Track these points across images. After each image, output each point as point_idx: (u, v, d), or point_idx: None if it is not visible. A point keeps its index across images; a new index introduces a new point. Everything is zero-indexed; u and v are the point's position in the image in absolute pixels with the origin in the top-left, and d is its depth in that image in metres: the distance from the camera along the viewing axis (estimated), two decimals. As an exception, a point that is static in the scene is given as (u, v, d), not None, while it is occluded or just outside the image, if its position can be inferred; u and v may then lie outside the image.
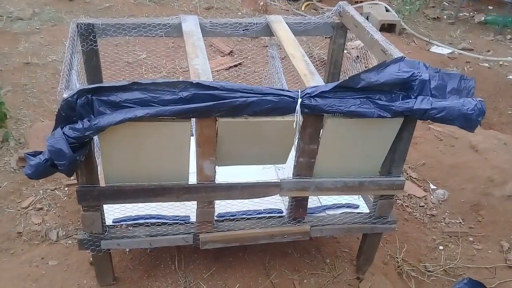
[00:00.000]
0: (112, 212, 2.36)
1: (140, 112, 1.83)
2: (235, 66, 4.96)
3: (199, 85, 1.89)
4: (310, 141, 2.13)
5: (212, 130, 2.01)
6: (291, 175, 2.27)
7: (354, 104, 1.99)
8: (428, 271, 3.15)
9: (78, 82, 2.31)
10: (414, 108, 1.99)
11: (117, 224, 2.35)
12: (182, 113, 1.87)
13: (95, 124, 1.82)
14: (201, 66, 2.11)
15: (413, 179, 4.00)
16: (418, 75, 2.02)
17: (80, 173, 2.04)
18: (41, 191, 3.10)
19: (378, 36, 2.37)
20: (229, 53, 5.17)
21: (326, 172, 2.29)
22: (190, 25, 2.52)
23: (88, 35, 2.54)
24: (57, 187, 3.14)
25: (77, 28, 2.51)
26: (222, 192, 2.21)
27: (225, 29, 2.63)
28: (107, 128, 1.83)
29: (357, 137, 2.17)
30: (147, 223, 2.35)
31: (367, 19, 6.97)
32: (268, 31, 2.67)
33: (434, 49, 6.66)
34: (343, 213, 2.55)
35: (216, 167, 2.18)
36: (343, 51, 2.89)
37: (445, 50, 6.58)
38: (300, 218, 2.42)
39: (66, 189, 3.13)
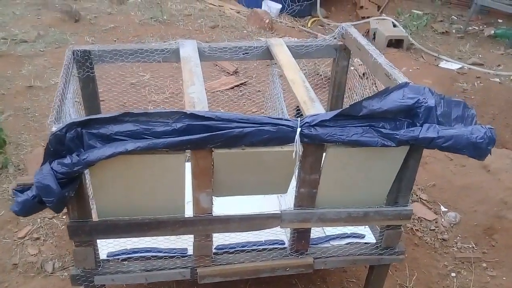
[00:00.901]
0: (106, 246, 2.27)
1: (131, 145, 1.75)
2: (240, 85, 4.90)
3: (193, 116, 1.81)
4: (311, 171, 2.03)
5: (208, 162, 1.92)
6: (293, 205, 2.18)
7: (356, 133, 1.89)
8: (440, 300, 3.02)
9: (74, 111, 2.25)
10: (420, 136, 1.88)
11: (111, 258, 2.26)
12: (175, 146, 1.79)
13: (84, 159, 1.74)
14: (197, 95, 2.03)
15: (423, 201, 3.87)
16: (424, 102, 1.92)
17: (71, 207, 1.96)
18: (39, 220, 3.04)
19: (382, 59, 2.28)
20: (233, 73, 5.11)
21: (329, 202, 2.18)
22: (188, 50, 2.46)
23: (84, 62, 2.49)
24: (55, 215, 3.07)
25: (73, 55, 2.46)
26: (220, 225, 2.11)
27: (224, 53, 2.56)
28: (97, 163, 1.76)
29: (360, 166, 2.07)
30: (143, 257, 2.26)
31: (374, 35, 6.90)
32: (268, 54, 2.60)
33: (443, 64, 6.55)
34: (348, 243, 2.44)
35: (214, 198, 2.10)
36: (347, 73, 2.80)
37: (454, 66, 6.46)
38: (302, 250, 2.31)
39: (63, 217, 3.06)
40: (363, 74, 5.14)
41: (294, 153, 1.91)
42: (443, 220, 3.68)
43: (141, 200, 2.00)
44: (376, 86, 3.96)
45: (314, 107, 2.01)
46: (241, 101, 4.58)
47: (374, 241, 2.48)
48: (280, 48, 2.53)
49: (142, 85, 4.70)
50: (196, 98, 2.00)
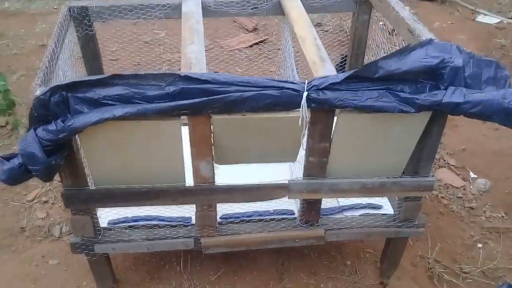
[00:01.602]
0: (107, 213, 2.18)
1: (119, 111, 1.60)
2: (259, 43, 4.66)
3: (187, 78, 1.64)
4: (321, 139, 1.85)
5: (206, 128, 1.76)
6: (302, 175, 2.01)
7: (370, 97, 1.68)
8: (464, 272, 2.84)
9: (69, 71, 2.11)
10: (443, 101, 1.66)
11: (112, 226, 2.17)
12: (168, 111, 1.63)
13: (69, 125, 1.61)
14: (195, 55, 1.84)
15: (451, 167, 3.63)
16: (450, 61, 1.68)
17: (63, 175, 1.86)
18: (48, 183, 2.98)
19: (405, 13, 2.02)
20: (252, 30, 4.85)
21: (341, 172, 2.00)
22: (191, 5, 2.25)
23: (82, 19, 2.33)
24: (64, 178, 3.00)
25: (70, 12, 2.30)
26: (223, 194, 1.97)
27: (231, 8, 2.34)
28: (84, 129, 1.63)
29: (376, 134, 1.87)
30: (145, 225, 2.16)
31: (405, -14, 6.43)
32: (280, 9, 2.36)
33: (480, 18, 6.07)
34: (363, 214, 2.27)
35: (216, 166, 1.95)
36: (368, 29, 2.55)
37: (493, 20, 5.98)
38: (313, 221, 2.16)
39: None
40: (393, 30, 4.80)
41: (300, 120, 1.73)
42: (471, 187, 3.45)
43: (138, 168, 1.88)
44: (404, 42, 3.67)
45: (324, 68, 1.80)
46: (259, 60, 4.35)
47: (392, 212, 2.30)
48: (292, 2, 2.29)
49: (157, 44, 4.52)
50: (193, 58, 1.82)
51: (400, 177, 2.05)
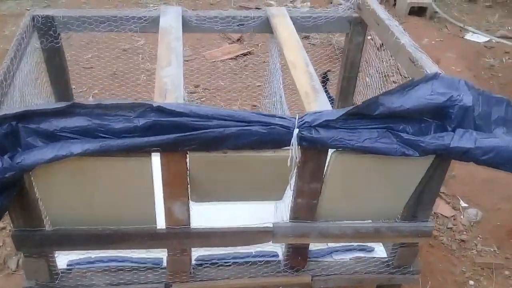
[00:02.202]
0: (67, 253, 1.93)
1: (77, 147, 1.36)
2: (244, 55, 4.44)
3: (161, 110, 1.41)
4: (311, 179, 1.64)
5: (181, 166, 1.53)
6: (288, 217, 1.79)
7: (369, 138, 1.48)
8: (455, 313, 2.67)
9: (30, 89, 1.86)
10: (451, 146, 1.46)
11: (73, 267, 1.91)
12: (136, 149, 1.40)
13: (18, 162, 1.36)
14: (171, 79, 1.61)
15: (441, 194, 3.46)
16: (458, 99, 1.49)
17: (14, 215, 1.60)
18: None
19: (406, 39, 1.83)
20: (237, 40, 4.64)
21: (332, 215, 1.80)
22: (170, 19, 2.02)
23: (47, 30, 2.08)
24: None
25: (33, 21, 2.05)
26: (198, 239, 1.74)
27: (214, 23, 2.12)
28: (36, 167, 1.38)
29: (372, 176, 1.67)
30: (109, 267, 1.91)
31: (394, 1, 6.31)
32: (268, 26, 2.15)
33: (469, 36, 5.97)
34: (354, 258, 2.06)
35: (192, 203, 1.72)
36: (362, 51, 2.35)
37: (481, 38, 5.88)
38: (299, 266, 1.94)
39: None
40: (381, 45, 4.65)
41: (289, 160, 1.51)
42: (462, 217, 3.28)
43: (101, 208, 1.63)
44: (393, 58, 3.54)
45: (318, 100, 1.59)
46: (244, 73, 4.13)
47: (385, 255, 2.10)
48: (282, 20, 2.09)
49: (136, 52, 4.26)
50: (169, 83, 1.59)
51: (396, 221, 1.85)
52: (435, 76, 1.52)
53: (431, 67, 1.65)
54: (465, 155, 1.48)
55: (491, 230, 3.17)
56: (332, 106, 2.76)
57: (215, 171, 1.60)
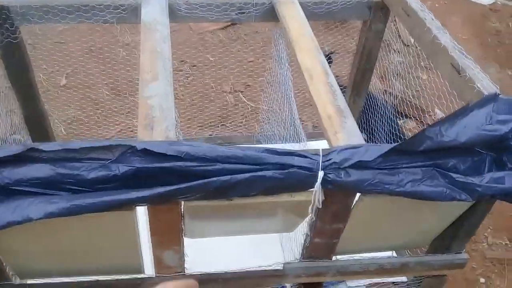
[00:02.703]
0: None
1: (37, 211, 1.03)
2: (234, 24, 4.02)
3: (147, 153, 1.08)
4: (334, 221, 1.35)
5: (174, 216, 1.22)
6: (299, 254, 1.52)
7: (412, 180, 1.18)
8: (468, 317, 2.49)
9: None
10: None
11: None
12: (117, 206, 1.08)
13: (-41, 228, 1.04)
14: (159, 101, 1.26)
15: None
16: (524, 130, 1.18)
17: (-34, 272, 1.29)
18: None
19: (447, 39, 1.48)
20: (227, 6, 4.19)
21: (352, 250, 1.53)
22: (154, 11, 1.63)
23: (2, 23, 1.68)
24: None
25: (-17, 11, 1.65)
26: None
27: (209, 12, 1.74)
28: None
29: (403, 215, 1.38)
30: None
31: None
32: (273, 15, 1.78)
33: (473, -3, 5.60)
34: (370, 284, 1.82)
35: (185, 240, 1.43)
36: (381, 40, 2.01)
37: (486, 0, 5.52)
38: (311, 301, 1.69)
39: None
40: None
41: (310, 207, 1.21)
42: (472, 207, 3.06)
43: (76, 259, 1.33)
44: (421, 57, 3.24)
45: (345, 129, 1.27)
46: (235, 46, 3.73)
47: (405, 279, 1.86)
48: (290, 8, 1.71)
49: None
50: (157, 108, 1.24)
51: (425, 254, 1.59)
52: (493, 98, 1.20)
53: (483, 81, 1.32)
54: (529, 201, 1.19)
55: (503, 220, 2.98)
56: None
57: (216, 214, 1.29)
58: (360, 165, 1.15)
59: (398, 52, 4.40)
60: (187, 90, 3.34)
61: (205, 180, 1.09)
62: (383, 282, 1.83)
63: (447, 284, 2.57)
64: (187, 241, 1.39)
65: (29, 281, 1.36)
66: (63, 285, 1.37)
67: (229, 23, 3.95)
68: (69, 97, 3.29)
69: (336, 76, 2.49)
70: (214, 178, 1.09)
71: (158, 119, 1.21)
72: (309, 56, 1.50)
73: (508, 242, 2.88)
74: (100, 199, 1.05)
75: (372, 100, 2.33)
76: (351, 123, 1.28)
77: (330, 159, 1.15)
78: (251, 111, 3.25)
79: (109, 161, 1.08)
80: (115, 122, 3.17)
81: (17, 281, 1.37)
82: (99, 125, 3.14)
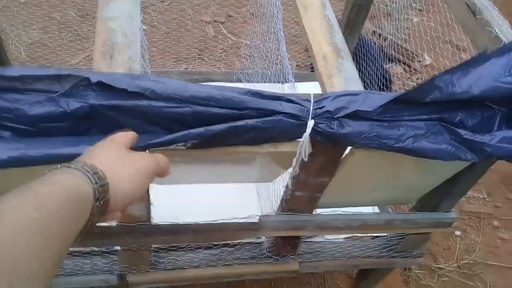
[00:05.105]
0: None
1: None
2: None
3: (103, 87, 0.89)
4: (319, 174, 1.20)
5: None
6: (276, 207, 1.38)
7: (414, 136, 1.03)
8: (440, 268, 2.48)
9: None
10: (527, 153, 1.04)
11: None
12: (63, 158, 0.89)
13: None
14: (121, 24, 1.05)
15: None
16: (545, 84, 1.03)
17: None
18: None
19: (463, -26, 1.28)
20: None
21: (333, 203, 1.40)
22: None
23: None
24: None
25: None
26: (161, 236, 1.32)
27: None
28: None
29: (394, 171, 1.25)
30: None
31: None
32: None
33: None
34: (349, 238, 1.72)
35: (154, 186, 1.27)
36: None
37: None
38: (286, 254, 1.58)
39: None
40: None
41: (295, 159, 1.06)
42: (453, 159, 2.99)
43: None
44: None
45: (342, 71, 1.08)
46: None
47: (386, 234, 1.77)
48: None
49: None
50: (119, 32, 1.03)
51: (412, 213, 1.48)
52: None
53: (501, 26, 1.15)
54: (541, 165, 1.06)
55: (484, 175, 2.92)
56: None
57: (187, 161, 1.13)
58: (356, 116, 0.99)
59: (420, 11, 4.13)
60: (161, 16, 3.05)
61: (174, 135, 0.91)
62: (363, 237, 1.74)
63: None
64: (156, 189, 1.23)
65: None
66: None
67: None
68: (31, 17, 2.96)
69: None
70: (185, 132, 0.91)
71: (119, 46, 1.00)
72: (304, -17, 1.27)
73: (486, 196, 2.84)
74: (45, 151, 0.86)
75: (363, 43, 2.14)
76: (349, 66, 1.10)
77: (322, 107, 0.98)
78: (232, 44, 3.00)
79: (57, 93, 0.88)
80: (82, 48, 2.89)
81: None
82: (64, 50, 2.86)
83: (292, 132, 1.00)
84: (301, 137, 1.00)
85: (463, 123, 1.06)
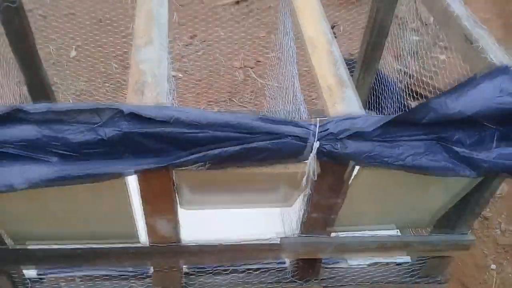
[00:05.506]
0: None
1: (19, 180, 1.01)
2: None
3: (134, 117, 1.04)
4: (331, 194, 1.30)
5: (165, 183, 1.19)
6: (297, 229, 1.48)
7: (413, 154, 1.12)
8: (476, 302, 2.44)
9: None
10: (523, 167, 1.11)
11: (43, 276, 1.63)
12: (105, 177, 1.04)
13: None
14: (151, 67, 1.22)
15: (462, 164, 3.14)
16: (535, 103, 1.11)
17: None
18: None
19: (461, 9, 1.40)
20: (240, -20, 4.10)
21: (351, 224, 1.48)
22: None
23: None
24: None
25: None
26: (190, 257, 1.43)
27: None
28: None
29: (405, 188, 1.33)
30: (87, 276, 1.63)
31: None
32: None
33: (498, -24, 5.38)
34: (372, 264, 1.77)
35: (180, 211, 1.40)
36: (394, 11, 1.92)
37: (511, -22, 5.30)
38: (309, 277, 1.65)
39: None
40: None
41: (305, 178, 1.17)
42: (485, 191, 2.97)
43: (70, 225, 1.31)
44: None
45: (345, 99, 1.21)
46: (247, 21, 3.65)
47: (409, 260, 1.81)
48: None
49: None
50: (149, 73, 1.20)
51: (429, 235, 1.54)
52: (504, 71, 1.13)
53: (496, 53, 1.24)
54: (538, 179, 1.13)
55: (517, 206, 2.89)
56: (352, 72, 2.38)
57: (210, 183, 1.26)
58: (358, 136, 1.10)
59: (415, 30, 4.26)
60: (196, 64, 3.29)
61: (195, 155, 1.05)
62: (386, 262, 1.79)
63: (457, 269, 2.54)
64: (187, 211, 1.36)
65: (22, 246, 1.35)
66: (56, 251, 1.36)
67: (241, -2, 3.86)
68: (78, 69, 3.26)
69: (351, 55, 2.43)
70: (204, 152, 1.05)
71: (149, 85, 1.17)
72: (313, 26, 1.43)
73: (521, 229, 2.80)
74: (87, 170, 1.02)
75: (382, 79, 2.26)
76: (351, 94, 1.22)
77: (326, 129, 1.10)
78: (260, 87, 3.19)
79: (96, 124, 1.04)
80: (123, 96, 3.14)
81: (11, 245, 1.36)
82: (108, 98, 3.11)
83: (300, 153, 1.11)
84: (308, 158, 1.12)
85: (461, 142, 1.14)
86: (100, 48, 3.23)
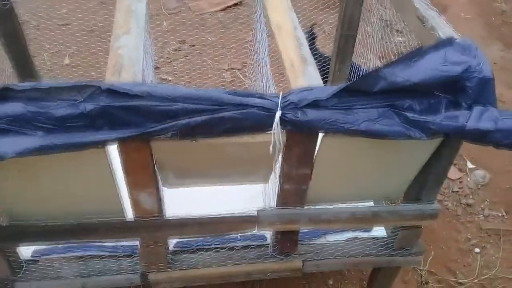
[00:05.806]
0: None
1: (9, 149, 1.12)
2: (235, 5, 4.08)
3: (111, 92, 1.15)
4: (299, 164, 1.40)
5: (144, 154, 1.30)
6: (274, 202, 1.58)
7: (368, 120, 1.23)
8: (459, 283, 2.52)
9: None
10: (467, 128, 1.22)
11: (37, 257, 1.73)
12: (85, 146, 1.16)
13: None
14: (128, 51, 1.34)
15: (447, 154, 3.24)
16: (477, 70, 1.22)
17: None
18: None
19: (414, -6, 1.52)
20: (228, -12, 4.25)
21: (325, 198, 1.58)
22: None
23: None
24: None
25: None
26: (173, 229, 1.54)
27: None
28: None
29: (369, 157, 1.43)
30: (79, 256, 1.73)
31: None
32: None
33: (480, -23, 5.53)
34: (349, 239, 1.87)
35: (164, 189, 1.51)
36: (362, 4, 2.05)
37: (493, -21, 5.45)
38: (289, 251, 1.75)
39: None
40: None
41: (271, 146, 1.27)
42: (468, 179, 3.07)
43: (59, 201, 1.42)
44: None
45: (306, 74, 1.32)
46: (234, 27, 3.79)
47: (384, 235, 1.90)
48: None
49: (114, 4, 3.91)
50: (126, 57, 1.32)
51: (397, 204, 1.64)
52: (449, 42, 1.24)
53: (444, 29, 1.36)
54: (483, 138, 1.23)
55: (500, 193, 2.98)
56: (326, 68, 2.50)
57: (186, 156, 1.36)
58: (317, 105, 1.21)
59: (400, 32, 4.40)
60: (186, 67, 3.42)
61: (167, 125, 1.15)
62: (362, 237, 1.88)
63: (442, 254, 2.62)
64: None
65: (16, 222, 1.45)
66: (46, 227, 1.46)
67: (230, 4, 4.00)
68: (72, 76, 3.39)
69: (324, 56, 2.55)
70: (174, 122, 1.16)
71: (126, 67, 1.29)
72: (280, 12, 1.55)
73: (504, 214, 2.88)
74: (70, 140, 1.13)
75: (357, 70, 2.37)
76: (312, 70, 1.33)
77: (287, 100, 1.21)
78: (247, 87, 3.31)
79: (77, 101, 1.15)
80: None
81: (5, 222, 1.47)
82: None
83: (265, 123, 1.22)
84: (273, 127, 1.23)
85: (412, 108, 1.25)
86: (94, 55, 3.36)
